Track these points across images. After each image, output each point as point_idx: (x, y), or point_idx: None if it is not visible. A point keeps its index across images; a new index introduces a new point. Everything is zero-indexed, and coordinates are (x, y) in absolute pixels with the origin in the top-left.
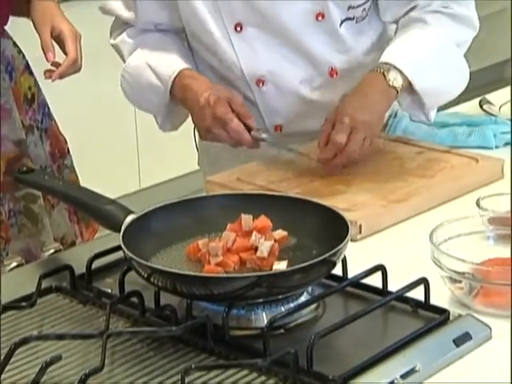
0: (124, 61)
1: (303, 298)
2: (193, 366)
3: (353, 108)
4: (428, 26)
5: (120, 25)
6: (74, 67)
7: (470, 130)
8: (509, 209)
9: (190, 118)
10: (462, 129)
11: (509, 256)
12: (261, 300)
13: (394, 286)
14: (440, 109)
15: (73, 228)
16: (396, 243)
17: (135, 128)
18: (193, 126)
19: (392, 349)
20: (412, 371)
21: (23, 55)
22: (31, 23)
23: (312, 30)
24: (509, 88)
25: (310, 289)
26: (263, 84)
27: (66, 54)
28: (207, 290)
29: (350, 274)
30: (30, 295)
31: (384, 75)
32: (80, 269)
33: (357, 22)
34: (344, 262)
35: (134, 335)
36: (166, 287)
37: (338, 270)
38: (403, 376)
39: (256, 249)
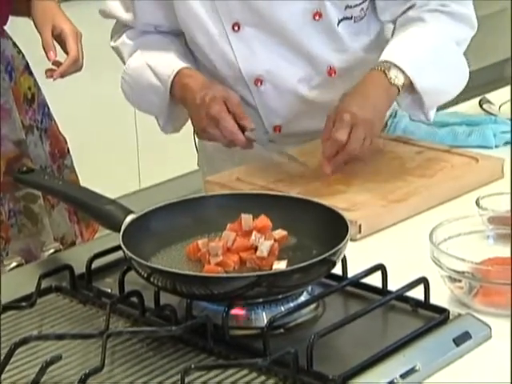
0: (124, 63)
1: (303, 298)
2: (192, 365)
3: (354, 106)
4: (426, 24)
5: (120, 28)
6: (75, 66)
7: (470, 130)
8: (509, 208)
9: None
10: (461, 128)
11: (509, 255)
12: (261, 300)
13: (393, 286)
14: (440, 108)
15: (73, 228)
16: (396, 243)
17: (135, 128)
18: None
19: (392, 348)
20: (412, 371)
21: (23, 55)
22: (31, 23)
23: (309, 29)
24: (509, 87)
25: (309, 288)
26: (261, 83)
27: (67, 53)
28: (207, 289)
29: (350, 274)
30: (30, 295)
31: (385, 73)
32: (80, 269)
33: (355, 21)
34: (344, 261)
35: (134, 335)
36: (165, 287)
37: (337, 270)
38: (403, 375)
39: (256, 248)
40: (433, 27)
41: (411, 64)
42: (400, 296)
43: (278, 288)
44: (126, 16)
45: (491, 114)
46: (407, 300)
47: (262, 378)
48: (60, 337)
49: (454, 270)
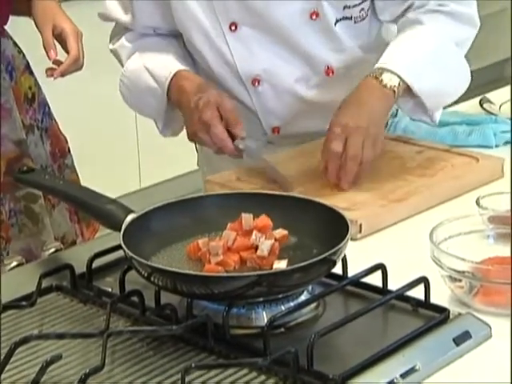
0: (122, 65)
1: (303, 297)
2: (193, 365)
3: (344, 117)
4: (424, 26)
5: (119, 31)
6: (76, 65)
7: (471, 129)
8: (509, 208)
9: None
10: (462, 128)
11: (509, 255)
12: (261, 299)
13: (394, 285)
14: None
15: (73, 227)
16: (396, 242)
17: (136, 127)
18: None
19: (392, 348)
20: (412, 370)
21: (23, 55)
22: (32, 23)
23: (306, 28)
24: (509, 87)
25: (310, 288)
26: (259, 83)
27: (67, 52)
28: (207, 289)
29: (350, 273)
30: (31, 294)
31: (377, 78)
32: (80, 268)
33: (356, 22)
34: (344, 260)
35: (135, 334)
36: (166, 286)
37: (338, 269)
38: (403, 375)
39: (256, 248)
40: (430, 28)
41: (407, 68)
42: (400, 295)
43: (279, 287)
44: (124, 18)
45: (491, 113)
46: (407, 299)
47: (263, 377)
48: (60, 336)
49: (455, 270)
